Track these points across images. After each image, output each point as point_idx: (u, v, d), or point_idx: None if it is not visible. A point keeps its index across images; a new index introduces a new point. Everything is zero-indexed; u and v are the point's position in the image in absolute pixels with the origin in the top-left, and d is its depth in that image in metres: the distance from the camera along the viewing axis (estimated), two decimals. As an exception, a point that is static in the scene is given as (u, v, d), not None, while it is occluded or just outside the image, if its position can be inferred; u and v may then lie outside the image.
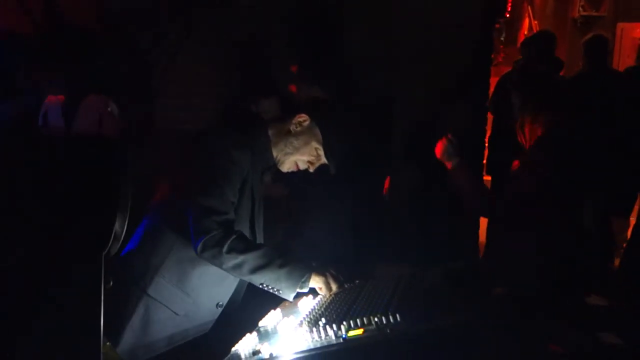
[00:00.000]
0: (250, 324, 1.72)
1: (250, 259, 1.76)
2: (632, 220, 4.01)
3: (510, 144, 2.81)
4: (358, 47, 3.53)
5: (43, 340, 1.11)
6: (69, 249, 1.11)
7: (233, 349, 1.57)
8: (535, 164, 2.46)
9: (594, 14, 6.50)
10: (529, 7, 7.99)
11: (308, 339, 1.51)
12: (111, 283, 1.21)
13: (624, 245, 3.85)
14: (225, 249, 1.73)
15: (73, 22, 3.00)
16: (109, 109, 2.57)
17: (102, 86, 2.67)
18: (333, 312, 1.67)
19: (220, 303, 1.91)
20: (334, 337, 1.47)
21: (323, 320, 1.59)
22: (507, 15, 5.60)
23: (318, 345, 1.46)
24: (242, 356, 1.52)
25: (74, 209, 1.04)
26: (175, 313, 1.84)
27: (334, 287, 1.83)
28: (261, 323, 1.74)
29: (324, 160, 1.96)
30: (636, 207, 4.19)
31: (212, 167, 1.79)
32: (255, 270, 1.76)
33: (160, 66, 3.26)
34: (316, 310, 1.73)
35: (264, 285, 1.79)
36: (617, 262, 3.89)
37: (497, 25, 5.19)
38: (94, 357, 1.12)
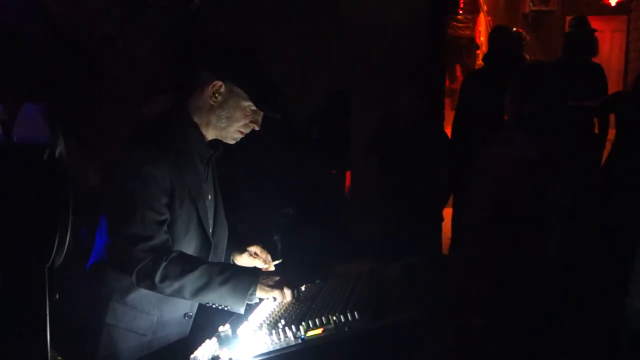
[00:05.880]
0: (209, 330, 1.70)
1: (188, 282, 1.65)
2: None
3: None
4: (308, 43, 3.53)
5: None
6: (8, 262, 1.07)
7: (192, 355, 1.54)
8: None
9: (544, 8, 6.69)
10: (484, 4, 8.15)
11: (267, 342, 1.50)
12: (57, 296, 1.17)
13: None
14: (157, 278, 1.63)
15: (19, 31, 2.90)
16: None
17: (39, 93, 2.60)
18: (292, 313, 1.66)
19: (189, 313, 1.81)
20: (292, 338, 1.47)
21: (282, 321, 1.59)
22: (460, 11, 5.70)
23: (277, 347, 1.46)
24: (201, 363, 1.50)
25: (7, 219, 1.00)
26: (141, 334, 1.75)
27: (288, 295, 1.69)
28: (221, 328, 1.72)
29: (261, 113, 1.76)
30: None
31: (125, 192, 1.65)
32: (196, 292, 1.66)
33: (112, 72, 3.18)
34: (276, 312, 1.72)
35: (211, 304, 1.71)
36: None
37: (449, 22, 5.27)
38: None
